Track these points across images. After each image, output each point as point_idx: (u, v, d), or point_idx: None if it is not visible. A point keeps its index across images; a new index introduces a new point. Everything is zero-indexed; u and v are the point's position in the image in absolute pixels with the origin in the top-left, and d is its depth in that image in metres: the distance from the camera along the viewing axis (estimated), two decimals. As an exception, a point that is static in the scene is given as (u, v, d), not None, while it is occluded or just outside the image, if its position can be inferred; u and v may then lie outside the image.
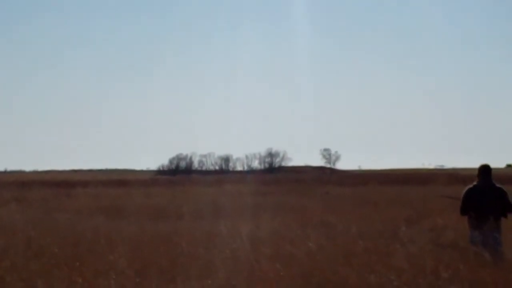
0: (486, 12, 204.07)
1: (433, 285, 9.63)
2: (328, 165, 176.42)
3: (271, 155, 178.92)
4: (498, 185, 11.24)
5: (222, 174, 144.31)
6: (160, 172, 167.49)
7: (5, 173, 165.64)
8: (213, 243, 13.32)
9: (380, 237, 14.86)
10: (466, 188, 11.34)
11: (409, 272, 10.17)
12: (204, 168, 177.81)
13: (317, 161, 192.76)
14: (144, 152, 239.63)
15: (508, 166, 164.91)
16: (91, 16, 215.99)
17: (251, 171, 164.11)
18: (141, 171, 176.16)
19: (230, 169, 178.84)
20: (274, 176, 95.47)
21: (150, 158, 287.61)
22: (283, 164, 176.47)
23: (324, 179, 76.18)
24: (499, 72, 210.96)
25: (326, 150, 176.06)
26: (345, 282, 9.81)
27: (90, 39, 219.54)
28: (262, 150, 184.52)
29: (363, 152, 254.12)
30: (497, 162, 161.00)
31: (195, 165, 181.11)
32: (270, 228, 17.07)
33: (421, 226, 17.30)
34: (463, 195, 11.27)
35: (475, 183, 11.22)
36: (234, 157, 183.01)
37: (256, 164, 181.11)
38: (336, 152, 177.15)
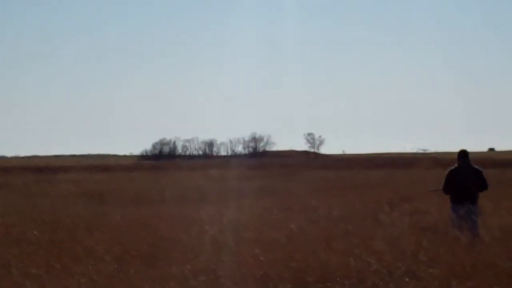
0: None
1: (412, 269, 9.62)
2: (312, 150, 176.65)
3: (255, 139, 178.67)
4: (475, 166, 12.83)
5: (206, 159, 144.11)
6: (143, 157, 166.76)
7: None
8: (194, 228, 13.28)
9: (361, 221, 14.88)
10: (448, 169, 12.84)
11: (389, 256, 10.16)
12: (187, 153, 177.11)
13: (301, 145, 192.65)
14: (127, 137, 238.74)
15: (491, 150, 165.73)
16: (75, 1, 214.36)
17: (235, 156, 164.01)
18: (124, 156, 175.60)
19: (214, 154, 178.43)
20: (258, 160, 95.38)
21: (133, 143, 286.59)
22: (267, 148, 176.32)
23: (308, 164, 76.25)
24: (483, 56, 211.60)
25: (310, 134, 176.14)
26: (325, 266, 9.79)
27: (74, 23, 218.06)
28: (246, 134, 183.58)
29: (347, 137, 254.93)
30: (479, 146, 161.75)
31: (179, 150, 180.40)
32: (252, 212, 17.07)
33: (403, 210, 17.31)
34: (446, 176, 12.73)
35: (456, 165, 12.76)
36: (218, 141, 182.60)
37: (240, 149, 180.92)
38: (320, 136, 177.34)
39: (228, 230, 12.79)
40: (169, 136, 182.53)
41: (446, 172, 12.79)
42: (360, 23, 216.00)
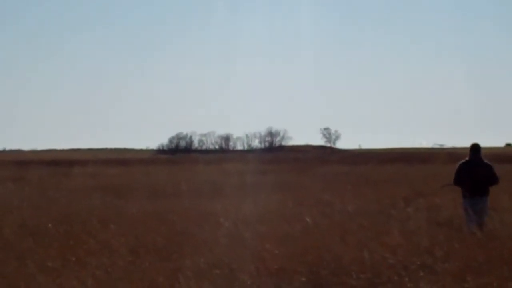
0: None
1: (428, 263, 9.58)
2: (328, 144, 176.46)
3: (271, 134, 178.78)
4: (486, 161, 13.12)
5: (222, 153, 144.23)
6: (160, 151, 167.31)
7: (3, 152, 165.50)
8: (208, 222, 13.28)
9: (376, 215, 14.82)
10: (459, 162, 13.24)
11: (404, 250, 10.13)
12: (204, 148, 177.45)
13: (318, 140, 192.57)
14: (144, 131, 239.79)
15: (508, 145, 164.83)
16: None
17: (252, 150, 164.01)
18: (141, 150, 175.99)
19: (230, 148, 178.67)
20: (274, 155, 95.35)
21: (150, 137, 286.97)
22: (284, 143, 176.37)
23: (324, 158, 76.11)
24: (498, 52, 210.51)
25: (326, 129, 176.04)
26: (340, 260, 9.76)
27: (86, 19, 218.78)
28: (262, 129, 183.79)
29: (363, 131, 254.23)
30: (496, 141, 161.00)
31: (195, 144, 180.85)
32: (267, 206, 17.04)
33: (418, 204, 17.20)
34: (457, 168, 13.16)
35: (467, 158, 13.13)
36: (234, 136, 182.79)
37: (256, 143, 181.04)
38: (336, 131, 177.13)
39: (242, 223, 12.77)
40: (185, 130, 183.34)
41: (457, 165, 13.22)
42: (375, 20, 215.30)
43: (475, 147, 13.08)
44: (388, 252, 9.96)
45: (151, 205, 17.49)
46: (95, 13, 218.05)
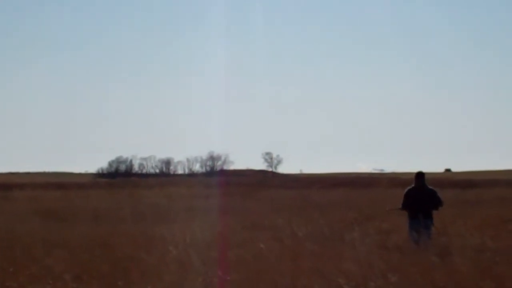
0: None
1: (383, 289, 9.38)
2: (270, 169, 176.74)
3: (212, 158, 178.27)
4: (430, 187, 14.55)
5: (163, 177, 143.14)
6: (99, 175, 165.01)
7: None
8: (155, 247, 12.88)
9: (327, 240, 14.63)
10: (406, 188, 14.62)
11: (359, 276, 9.91)
12: (144, 171, 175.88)
13: (259, 164, 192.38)
14: (82, 155, 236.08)
15: (447, 170, 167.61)
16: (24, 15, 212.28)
17: (193, 174, 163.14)
18: (80, 174, 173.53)
19: (171, 172, 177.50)
20: (216, 179, 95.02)
21: (89, 161, 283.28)
22: (225, 167, 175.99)
23: (266, 183, 76.09)
24: (438, 75, 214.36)
25: (268, 153, 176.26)
26: (294, 286, 9.49)
27: (30, 36, 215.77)
28: (203, 153, 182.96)
29: (304, 156, 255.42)
30: (436, 167, 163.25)
31: (135, 168, 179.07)
32: (215, 231, 16.72)
33: (367, 229, 17.09)
34: (404, 194, 14.49)
35: (413, 185, 14.49)
36: (175, 160, 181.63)
37: (197, 167, 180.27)
38: (278, 155, 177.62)
39: (191, 249, 12.39)
40: (125, 154, 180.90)
41: (405, 191, 14.57)
42: (315, 46, 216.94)
43: (420, 175, 14.41)
44: (343, 277, 9.73)
45: (95, 230, 17.02)
46: (27, 28, 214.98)
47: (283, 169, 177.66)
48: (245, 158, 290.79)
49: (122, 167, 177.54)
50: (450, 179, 68.03)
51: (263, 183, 71.84)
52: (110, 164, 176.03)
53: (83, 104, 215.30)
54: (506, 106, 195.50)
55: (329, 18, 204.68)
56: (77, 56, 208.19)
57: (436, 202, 14.24)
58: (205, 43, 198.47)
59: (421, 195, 14.21)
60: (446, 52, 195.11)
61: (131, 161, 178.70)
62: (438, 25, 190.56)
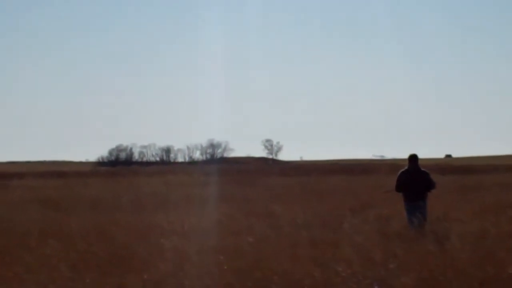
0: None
1: (382, 276, 9.28)
2: (270, 156, 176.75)
3: (212, 145, 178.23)
4: (423, 169, 14.53)
5: (163, 165, 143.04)
6: (99, 163, 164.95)
7: None
8: (153, 235, 12.78)
9: (325, 227, 14.53)
10: (400, 171, 14.62)
11: (357, 264, 9.81)
12: (144, 160, 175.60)
13: (259, 152, 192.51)
14: (83, 144, 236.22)
15: (447, 156, 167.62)
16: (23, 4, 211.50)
17: (193, 162, 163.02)
18: (80, 163, 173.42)
19: (172, 160, 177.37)
20: (216, 167, 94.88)
21: (90, 150, 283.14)
22: (225, 155, 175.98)
23: (266, 170, 75.96)
24: (438, 62, 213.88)
25: (268, 141, 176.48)
26: (291, 274, 9.38)
27: (26, 27, 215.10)
28: (203, 141, 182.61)
29: (304, 143, 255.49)
30: (436, 153, 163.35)
31: (136, 156, 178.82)
32: (213, 219, 16.62)
33: (366, 216, 17.01)
34: (398, 176, 14.50)
35: (406, 167, 14.48)
36: (175, 148, 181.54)
37: (197, 155, 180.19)
38: (278, 143, 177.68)
39: (188, 237, 12.32)
40: (125, 142, 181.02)
41: (398, 173, 14.57)
42: (315, 32, 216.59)
43: (413, 157, 14.44)
44: (341, 266, 9.62)
45: (92, 219, 16.89)
46: (22, 20, 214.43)
47: (283, 156, 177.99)
48: (245, 146, 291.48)
49: (123, 156, 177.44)
50: (450, 165, 67.92)
51: (263, 170, 71.67)
52: (110, 152, 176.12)
53: (83, 93, 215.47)
54: (505, 94, 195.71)
55: (327, 12, 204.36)
56: (78, 47, 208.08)
57: (428, 184, 14.31)
58: (204, 34, 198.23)
59: (414, 177, 14.29)
60: (445, 41, 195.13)
61: (131, 149, 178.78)
62: (437, 16, 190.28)
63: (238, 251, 11.01)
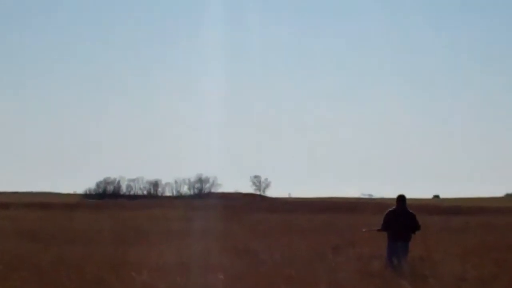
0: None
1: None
2: (258, 192, 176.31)
3: (201, 180, 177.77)
4: (410, 210, 14.77)
5: (151, 199, 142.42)
6: (87, 196, 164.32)
7: None
8: (124, 270, 12.42)
9: (306, 265, 14.21)
10: (387, 210, 14.84)
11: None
12: (132, 193, 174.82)
13: (248, 188, 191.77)
14: (71, 175, 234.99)
15: (435, 197, 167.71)
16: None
17: (180, 196, 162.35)
18: (68, 195, 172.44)
19: (159, 194, 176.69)
20: (203, 201, 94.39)
21: (77, 182, 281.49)
22: (213, 190, 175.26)
23: (253, 206, 75.57)
24: (428, 105, 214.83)
25: (256, 177, 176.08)
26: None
27: (15, 54, 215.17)
28: (191, 175, 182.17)
29: (293, 180, 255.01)
30: (424, 193, 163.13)
31: (123, 189, 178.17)
32: (191, 254, 16.30)
33: (348, 254, 16.73)
34: (385, 215, 14.74)
35: (394, 207, 14.70)
36: (163, 182, 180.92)
37: (185, 190, 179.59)
38: (266, 179, 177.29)
39: (161, 272, 11.97)
40: (113, 175, 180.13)
41: (385, 212, 14.80)
42: (303, 71, 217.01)
43: (401, 198, 14.65)
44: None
45: (69, 251, 16.54)
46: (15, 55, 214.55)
47: (271, 192, 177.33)
48: (233, 181, 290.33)
49: (110, 188, 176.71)
50: (438, 206, 67.78)
51: (251, 206, 71.33)
52: (98, 185, 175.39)
53: (72, 125, 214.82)
54: (494, 135, 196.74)
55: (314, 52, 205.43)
56: (66, 77, 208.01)
57: (414, 226, 14.52)
58: (195, 66, 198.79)
59: (401, 218, 14.49)
60: (435, 80, 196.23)
61: (119, 182, 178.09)
62: (431, 44, 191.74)
63: (212, 288, 10.70)
